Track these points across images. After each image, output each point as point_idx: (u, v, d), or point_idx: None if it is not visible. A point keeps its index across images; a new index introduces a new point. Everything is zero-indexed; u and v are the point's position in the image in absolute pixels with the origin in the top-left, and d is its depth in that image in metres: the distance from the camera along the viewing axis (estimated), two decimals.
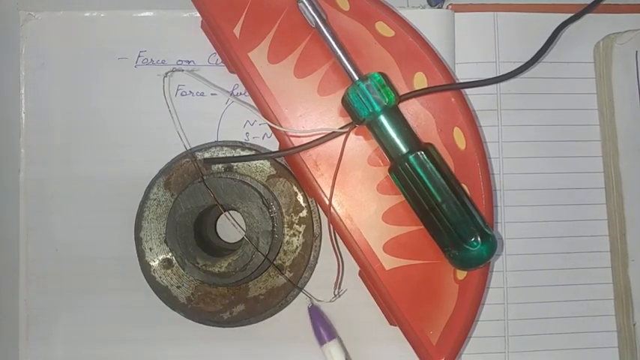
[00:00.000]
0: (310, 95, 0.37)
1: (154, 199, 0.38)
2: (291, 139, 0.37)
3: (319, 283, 0.39)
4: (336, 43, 0.35)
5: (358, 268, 0.37)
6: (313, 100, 0.37)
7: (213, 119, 0.40)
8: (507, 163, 0.42)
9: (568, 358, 0.41)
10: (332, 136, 0.36)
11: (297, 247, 0.39)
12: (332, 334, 0.37)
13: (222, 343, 0.40)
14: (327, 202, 0.36)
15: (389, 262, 0.36)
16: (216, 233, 0.41)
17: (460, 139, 0.37)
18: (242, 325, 0.39)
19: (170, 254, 0.38)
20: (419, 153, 0.34)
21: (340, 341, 0.38)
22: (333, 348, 0.37)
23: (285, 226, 0.39)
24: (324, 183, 0.36)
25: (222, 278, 0.37)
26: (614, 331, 0.41)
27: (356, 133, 0.37)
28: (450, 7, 0.41)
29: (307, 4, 0.35)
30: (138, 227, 0.38)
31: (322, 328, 0.37)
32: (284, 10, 0.37)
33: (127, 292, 0.40)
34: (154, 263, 0.38)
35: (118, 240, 0.40)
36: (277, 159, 0.39)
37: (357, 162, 0.37)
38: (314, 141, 0.36)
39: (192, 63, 0.41)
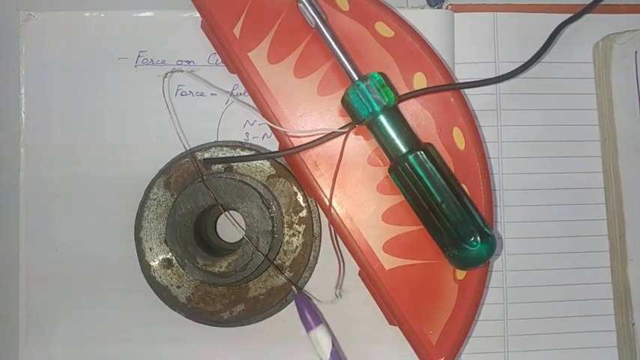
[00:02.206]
0: (310, 95, 0.37)
1: (154, 199, 0.39)
2: (291, 139, 0.37)
3: (319, 283, 0.39)
4: (335, 44, 0.35)
5: (358, 268, 0.37)
6: (313, 100, 0.37)
7: (213, 119, 0.40)
8: (507, 163, 0.42)
9: (567, 358, 0.41)
10: (332, 136, 0.36)
11: (297, 247, 0.39)
12: (319, 320, 0.37)
13: (222, 343, 0.40)
14: (327, 202, 0.36)
15: (389, 261, 0.36)
16: (216, 233, 0.41)
17: (460, 139, 0.37)
18: (242, 325, 0.39)
19: (170, 254, 0.38)
20: (418, 153, 0.34)
21: (327, 326, 0.37)
22: (319, 333, 0.37)
23: (285, 226, 0.39)
24: (324, 183, 0.36)
25: (222, 278, 0.37)
26: (613, 331, 0.41)
27: (356, 133, 0.37)
28: (449, 7, 0.42)
29: (307, 4, 0.35)
30: (138, 227, 0.39)
31: (309, 314, 0.37)
32: (284, 10, 0.37)
33: (127, 292, 0.40)
34: (154, 263, 0.38)
35: (118, 240, 0.40)
36: (277, 159, 0.39)
37: (357, 162, 0.37)
38: (314, 141, 0.36)
39: (192, 63, 0.41)
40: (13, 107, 0.40)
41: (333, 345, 0.37)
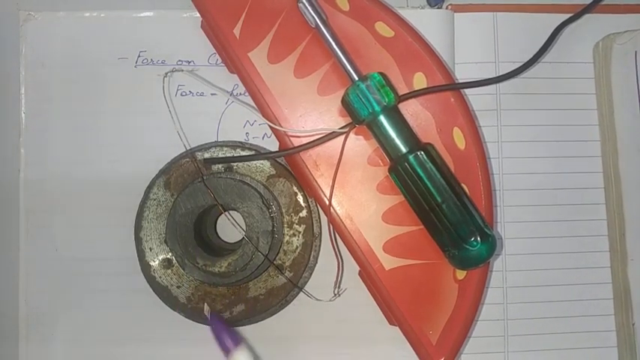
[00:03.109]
0: (310, 95, 0.37)
1: (154, 199, 0.39)
2: (291, 139, 0.37)
3: (319, 283, 0.39)
4: (335, 44, 0.35)
5: (358, 268, 0.37)
6: (313, 100, 0.37)
7: (213, 119, 0.40)
8: (507, 163, 0.42)
9: (568, 358, 0.41)
10: (332, 136, 0.36)
11: (297, 247, 0.39)
12: (238, 340, 0.34)
13: None
14: (327, 202, 0.36)
15: (389, 262, 0.36)
16: (216, 233, 0.41)
17: (460, 139, 0.37)
18: (242, 325, 0.39)
19: (170, 254, 0.38)
20: (418, 153, 0.34)
21: (247, 346, 0.35)
22: (241, 355, 0.33)
23: (285, 226, 0.39)
24: (324, 183, 0.36)
25: (222, 278, 0.37)
26: (613, 331, 0.41)
27: (356, 133, 0.37)
28: (449, 7, 0.42)
29: (307, 5, 0.35)
30: (138, 227, 0.39)
31: (227, 335, 0.34)
32: (284, 10, 0.37)
33: (127, 292, 0.40)
34: (154, 263, 0.38)
35: (118, 240, 0.40)
36: (277, 159, 0.39)
37: (357, 162, 0.37)
38: (314, 141, 0.36)
39: (192, 63, 0.41)
40: (13, 107, 0.40)
41: None
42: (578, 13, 0.41)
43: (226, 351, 0.33)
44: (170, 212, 0.37)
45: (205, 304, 0.37)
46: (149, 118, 0.40)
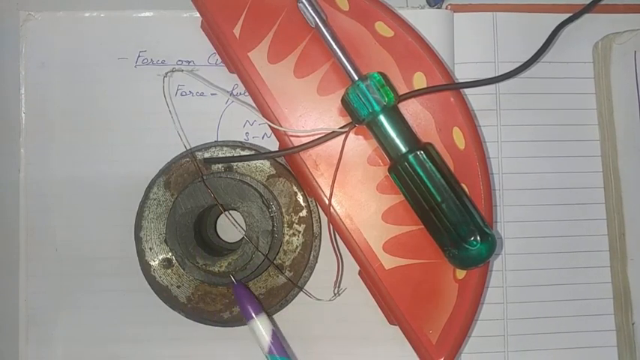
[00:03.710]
0: (310, 95, 0.37)
1: (154, 199, 0.39)
2: (291, 138, 0.37)
3: (319, 283, 0.39)
4: (335, 43, 0.35)
5: (358, 268, 0.37)
6: (313, 100, 0.37)
7: (213, 119, 0.40)
8: (506, 162, 0.42)
9: (567, 358, 0.41)
10: (332, 135, 0.36)
11: (297, 247, 0.39)
12: (259, 309, 0.36)
13: (222, 343, 0.40)
14: (327, 202, 0.36)
15: (389, 261, 0.36)
16: (216, 233, 0.41)
17: (459, 138, 0.37)
18: (242, 325, 0.39)
19: (170, 254, 0.38)
20: (418, 152, 0.34)
21: (268, 315, 0.37)
22: (261, 322, 0.36)
23: (285, 225, 0.39)
24: (323, 183, 0.36)
25: (222, 278, 0.37)
26: (613, 331, 0.41)
27: (355, 133, 0.37)
28: (449, 7, 0.42)
29: (307, 5, 0.35)
30: (138, 227, 0.39)
31: (249, 304, 0.36)
32: (284, 10, 0.37)
33: (127, 292, 0.40)
34: (154, 263, 0.38)
35: (118, 240, 0.40)
36: (277, 159, 0.39)
37: (357, 162, 0.37)
38: (314, 141, 0.36)
39: (192, 63, 0.41)
40: (13, 107, 0.40)
41: (274, 333, 0.36)
42: (578, 13, 0.41)
43: (248, 317, 0.36)
44: (170, 212, 0.37)
45: (231, 275, 0.37)
46: (149, 118, 0.40)
